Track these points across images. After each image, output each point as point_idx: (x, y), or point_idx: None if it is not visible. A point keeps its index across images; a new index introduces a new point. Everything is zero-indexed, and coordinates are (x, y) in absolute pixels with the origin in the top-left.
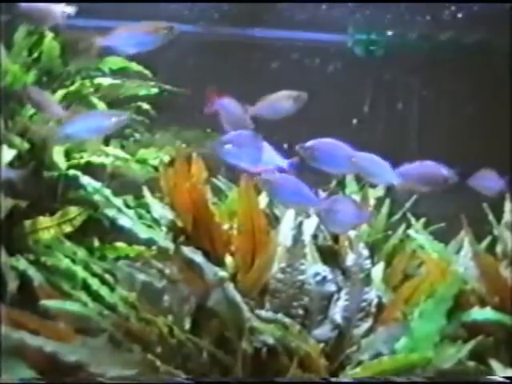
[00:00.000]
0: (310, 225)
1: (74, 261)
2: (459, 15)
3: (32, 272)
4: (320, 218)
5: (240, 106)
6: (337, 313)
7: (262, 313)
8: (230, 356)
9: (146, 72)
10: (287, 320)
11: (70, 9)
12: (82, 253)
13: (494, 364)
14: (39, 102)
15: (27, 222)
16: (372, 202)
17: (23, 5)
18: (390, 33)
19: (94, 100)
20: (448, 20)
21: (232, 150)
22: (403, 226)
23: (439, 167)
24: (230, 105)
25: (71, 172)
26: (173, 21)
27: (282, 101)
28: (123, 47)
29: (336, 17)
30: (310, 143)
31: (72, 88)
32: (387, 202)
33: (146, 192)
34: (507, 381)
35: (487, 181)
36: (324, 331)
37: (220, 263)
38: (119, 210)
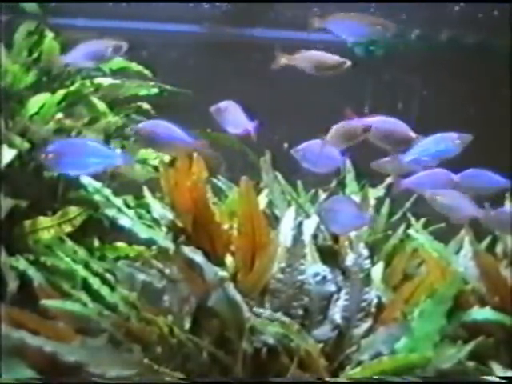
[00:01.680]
0: (310, 225)
1: (74, 261)
2: (459, 15)
3: (32, 272)
4: (320, 218)
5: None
6: (336, 313)
7: (261, 311)
8: (230, 356)
9: (146, 72)
10: (286, 319)
11: None
12: (82, 253)
13: (495, 366)
14: None
15: (27, 222)
16: (372, 201)
17: None
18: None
19: (94, 100)
20: (448, 20)
21: (55, 159)
22: (403, 226)
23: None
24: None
25: None
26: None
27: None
28: (341, 34)
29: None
30: (301, 146)
31: (72, 88)
32: (387, 201)
33: (146, 192)
34: (506, 381)
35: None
36: (324, 331)
37: (220, 263)
38: (119, 209)
